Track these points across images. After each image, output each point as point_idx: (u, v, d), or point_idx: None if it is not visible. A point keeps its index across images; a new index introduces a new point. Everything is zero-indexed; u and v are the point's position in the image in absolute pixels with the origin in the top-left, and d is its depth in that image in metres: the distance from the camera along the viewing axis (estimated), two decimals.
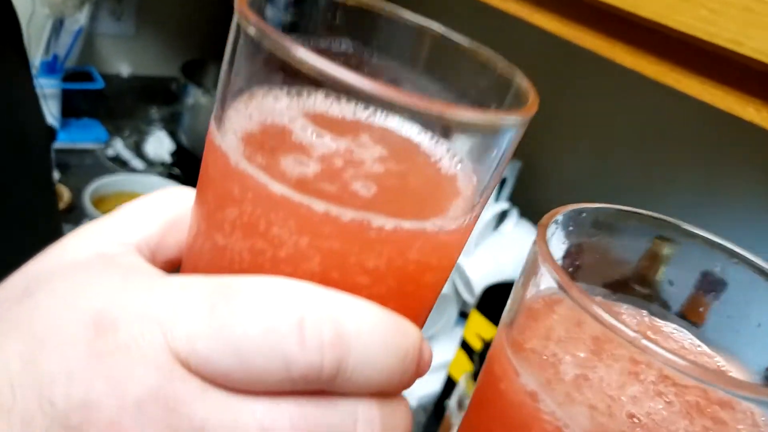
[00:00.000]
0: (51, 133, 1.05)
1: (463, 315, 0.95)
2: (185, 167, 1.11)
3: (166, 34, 1.27)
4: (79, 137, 1.12)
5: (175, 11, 1.25)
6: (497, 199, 0.80)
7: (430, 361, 0.20)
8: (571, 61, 0.88)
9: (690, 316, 0.26)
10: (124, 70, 1.24)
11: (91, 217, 0.86)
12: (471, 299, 0.81)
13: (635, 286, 0.27)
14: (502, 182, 0.78)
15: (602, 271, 0.27)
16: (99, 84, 1.13)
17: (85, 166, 1.09)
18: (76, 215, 0.95)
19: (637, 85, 0.79)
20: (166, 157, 1.13)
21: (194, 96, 1.05)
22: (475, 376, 0.65)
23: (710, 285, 0.26)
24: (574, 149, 0.88)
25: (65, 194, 0.97)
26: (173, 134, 1.17)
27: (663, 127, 0.78)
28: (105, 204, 0.92)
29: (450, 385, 0.76)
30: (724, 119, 0.68)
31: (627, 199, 0.83)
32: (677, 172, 0.77)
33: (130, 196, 0.95)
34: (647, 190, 0.80)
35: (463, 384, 0.67)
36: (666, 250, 0.26)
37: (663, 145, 0.78)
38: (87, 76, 1.16)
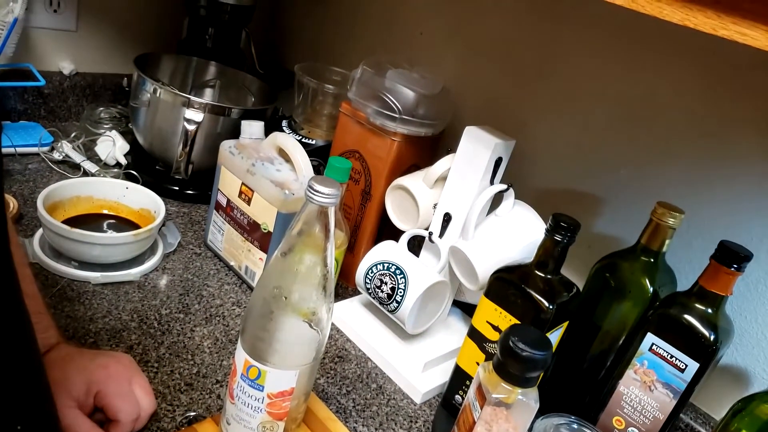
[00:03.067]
0: None
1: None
2: (143, 168, 1.03)
3: (111, 28, 1.17)
4: (19, 141, 1.01)
5: (119, 3, 1.16)
6: (493, 180, 0.76)
7: None
8: (559, 38, 0.86)
9: None
10: (66, 67, 1.13)
11: (45, 226, 0.77)
12: (471, 285, 0.77)
13: None
14: (498, 162, 0.75)
15: None
16: (40, 82, 1.02)
17: (30, 172, 0.98)
18: (25, 224, 0.86)
19: (629, 60, 0.78)
20: (121, 159, 1.04)
21: (151, 91, 0.97)
22: (496, 367, 0.61)
23: None
24: (566, 125, 0.86)
25: (11, 203, 0.87)
26: (126, 134, 1.08)
27: (658, 101, 0.77)
28: (60, 210, 0.83)
29: (461, 376, 0.72)
30: (716, 95, 0.67)
31: (623, 177, 0.80)
32: (674, 148, 0.76)
33: (87, 200, 0.87)
34: (644, 165, 0.79)
35: (482, 374, 0.63)
36: None
37: (659, 119, 0.77)
38: (25, 74, 1.05)
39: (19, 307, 0.41)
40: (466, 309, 0.91)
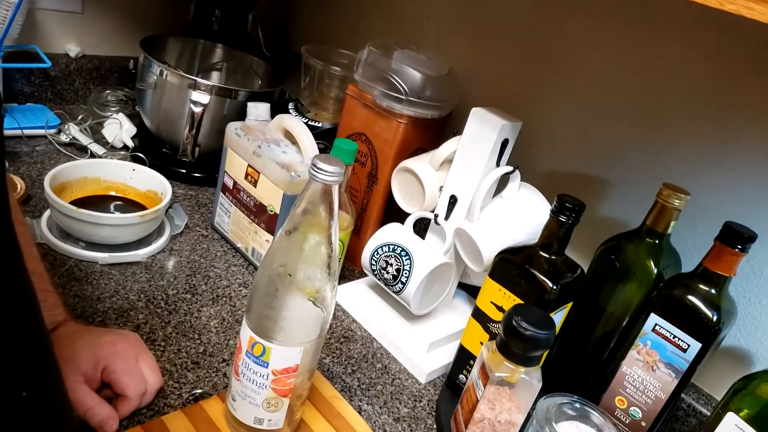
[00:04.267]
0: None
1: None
2: (149, 151, 1.03)
3: (117, 10, 1.17)
4: (26, 123, 1.02)
5: None
6: (499, 162, 0.76)
7: None
8: (566, 23, 0.85)
9: None
10: (72, 49, 1.13)
11: (53, 206, 0.78)
12: (476, 267, 0.77)
13: None
14: (504, 143, 0.75)
15: None
16: (46, 64, 1.03)
17: (38, 154, 0.99)
18: (33, 205, 0.86)
19: (635, 43, 0.78)
20: (128, 141, 1.04)
21: (158, 73, 0.97)
22: (500, 346, 0.62)
23: None
24: (573, 109, 0.86)
25: (19, 184, 0.87)
26: (133, 117, 1.09)
27: (664, 84, 0.77)
28: (68, 191, 0.84)
29: (465, 356, 0.73)
30: (728, 72, 0.67)
31: (629, 159, 0.80)
32: (680, 130, 0.76)
33: (94, 182, 0.87)
34: (651, 148, 0.78)
35: (485, 353, 0.64)
36: None
37: (665, 102, 0.77)
38: (31, 56, 1.05)
39: (23, 281, 0.42)
40: (472, 291, 0.91)
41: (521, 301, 0.67)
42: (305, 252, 0.54)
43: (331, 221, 0.53)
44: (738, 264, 0.62)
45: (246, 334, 0.56)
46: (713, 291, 0.63)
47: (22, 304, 0.41)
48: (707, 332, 0.62)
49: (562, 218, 0.65)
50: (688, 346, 0.63)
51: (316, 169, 0.51)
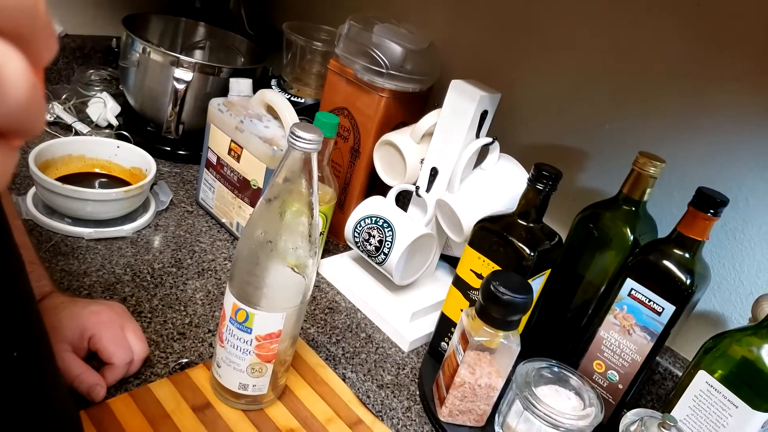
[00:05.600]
0: None
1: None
2: (134, 130, 1.03)
3: None
4: None
5: None
6: (478, 133, 0.77)
7: None
8: None
9: None
10: (55, 29, 1.12)
11: (38, 182, 0.78)
12: (457, 237, 0.79)
13: None
14: (483, 115, 0.76)
15: None
16: None
17: None
18: (18, 183, 0.87)
19: (614, 17, 0.78)
20: (113, 120, 1.04)
21: (140, 51, 0.97)
22: (479, 311, 0.63)
23: None
24: (552, 81, 0.87)
25: None
26: (117, 96, 1.09)
27: (642, 56, 0.77)
28: (52, 169, 0.84)
29: (446, 324, 0.74)
30: (701, 45, 0.68)
31: (607, 131, 0.82)
32: (656, 101, 0.77)
33: (79, 159, 0.88)
34: (628, 119, 0.79)
35: (465, 320, 0.65)
36: None
37: (642, 74, 0.78)
38: None
39: (9, 245, 0.43)
40: (454, 263, 0.92)
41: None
42: (286, 220, 0.55)
43: (311, 189, 0.54)
44: (711, 228, 0.64)
45: (229, 301, 0.57)
46: (687, 255, 0.64)
47: (9, 267, 0.42)
48: (681, 295, 0.64)
49: (540, 186, 0.66)
50: (663, 309, 0.65)
51: (294, 137, 0.52)
